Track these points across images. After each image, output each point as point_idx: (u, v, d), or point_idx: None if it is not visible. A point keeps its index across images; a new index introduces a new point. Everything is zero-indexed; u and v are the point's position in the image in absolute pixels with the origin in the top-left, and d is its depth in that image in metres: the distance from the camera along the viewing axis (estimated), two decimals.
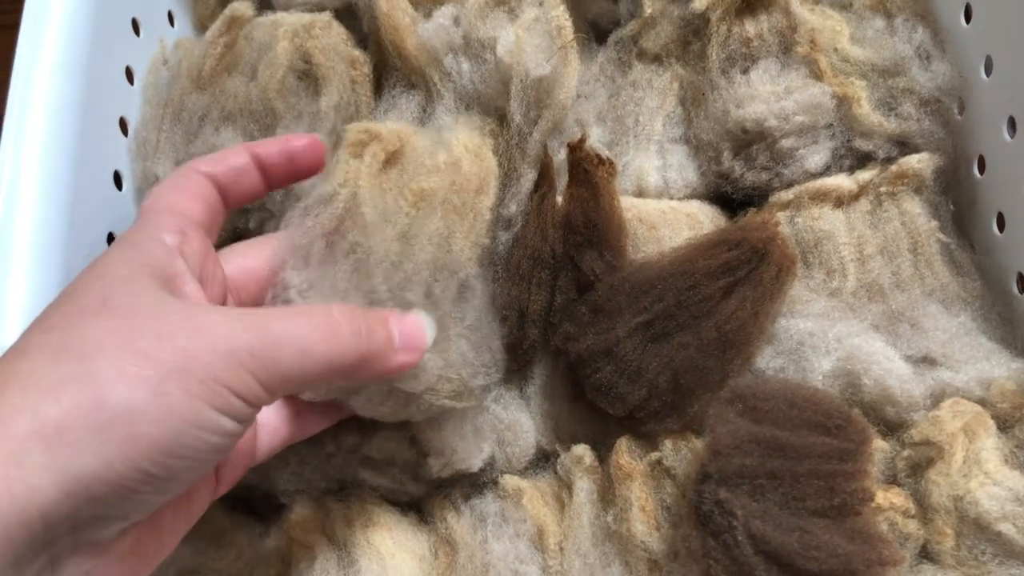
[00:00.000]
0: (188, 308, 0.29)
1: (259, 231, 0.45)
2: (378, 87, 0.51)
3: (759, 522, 0.33)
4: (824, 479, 0.34)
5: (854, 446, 0.35)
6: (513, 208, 0.44)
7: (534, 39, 0.46)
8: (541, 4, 0.48)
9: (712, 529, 0.34)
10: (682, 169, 0.49)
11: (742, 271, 0.40)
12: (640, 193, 0.49)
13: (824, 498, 0.34)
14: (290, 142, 0.38)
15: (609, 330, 0.40)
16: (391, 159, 0.40)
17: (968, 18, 0.46)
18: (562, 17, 0.46)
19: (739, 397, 0.36)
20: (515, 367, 0.44)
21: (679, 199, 0.48)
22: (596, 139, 0.50)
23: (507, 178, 0.44)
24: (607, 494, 0.40)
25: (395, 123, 0.42)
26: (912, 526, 0.37)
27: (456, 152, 0.41)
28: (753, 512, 0.33)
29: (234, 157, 0.37)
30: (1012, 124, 0.43)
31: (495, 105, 0.48)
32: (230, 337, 0.28)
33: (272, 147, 0.38)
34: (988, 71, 0.44)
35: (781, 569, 0.33)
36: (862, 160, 0.46)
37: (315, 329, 0.31)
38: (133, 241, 0.32)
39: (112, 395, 0.25)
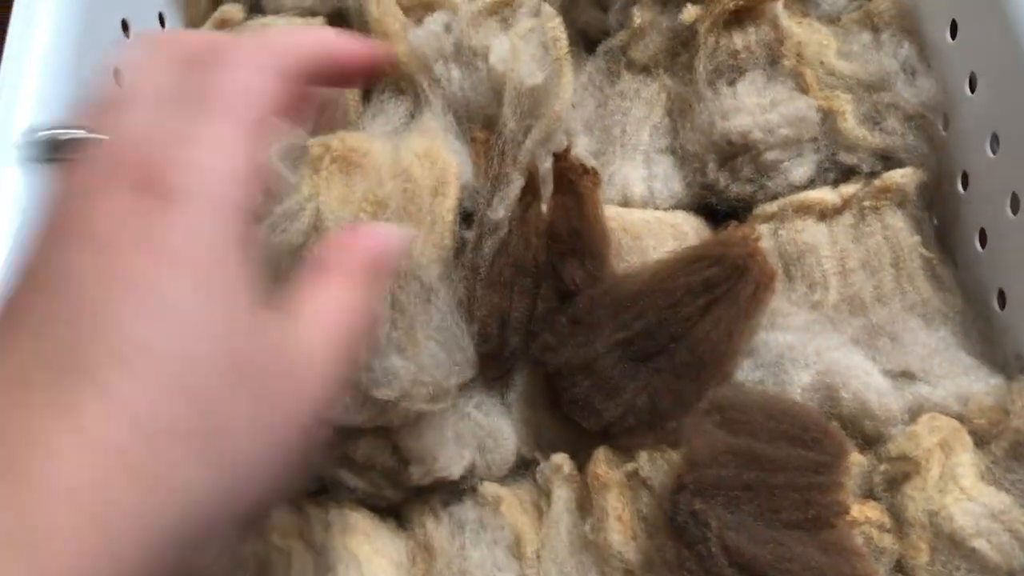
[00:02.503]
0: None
1: None
2: (367, 92, 0.51)
3: (734, 533, 0.33)
4: (799, 491, 0.34)
5: (830, 459, 0.35)
6: (501, 212, 0.44)
7: (529, 48, 0.46)
8: (536, 15, 0.48)
9: (687, 540, 0.34)
10: (667, 179, 0.49)
11: (721, 289, 0.40)
12: (625, 203, 0.49)
13: (799, 511, 0.34)
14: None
15: (588, 344, 0.40)
16: (351, 170, 0.41)
17: (953, 34, 0.46)
18: (558, 29, 0.47)
19: (717, 408, 0.36)
20: (496, 374, 0.44)
21: (664, 209, 0.48)
22: (583, 148, 0.51)
23: (496, 182, 0.45)
24: (585, 503, 0.40)
25: (352, 133, 0.43)
26: (887, 540, 0.37)
27: (405, 160, 0.41)
28: (728, 523, 0.33)
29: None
30: (995, 140, 0.43)
31: (484, 113, 0.48)
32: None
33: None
34: (972, 87, 0.45)
35: None
36: (846, 174, 0.47)
37: None
38: (220, 206, 0.23)
39: None
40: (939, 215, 0.48)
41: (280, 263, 0.39)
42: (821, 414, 0.38)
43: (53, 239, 0.23)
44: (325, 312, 0.26)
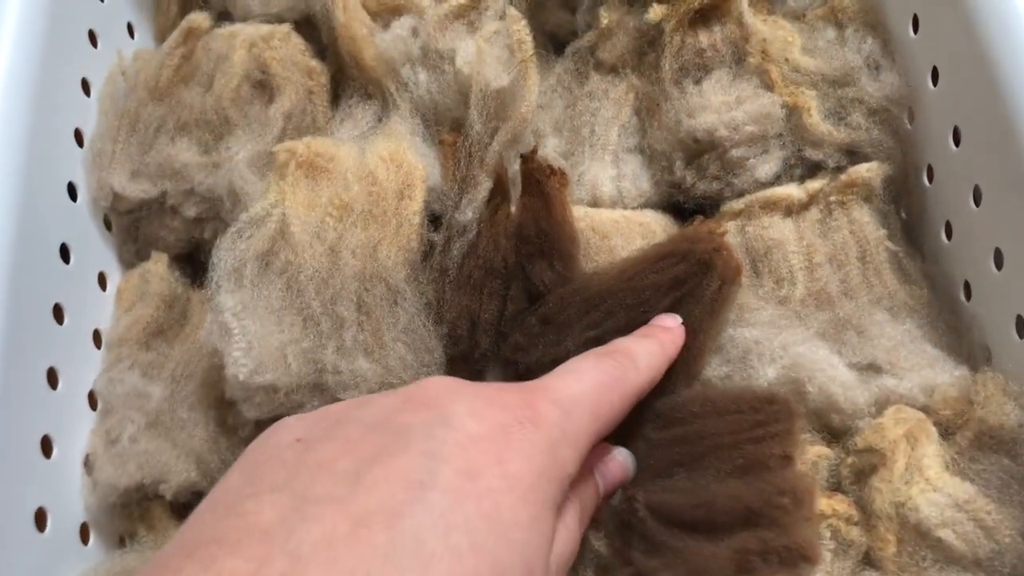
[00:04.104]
0: None
1: (214, 241, 0.45)
2: (336, 97, 0.52)
3: (660, 495, 0.34)
4: (728, 448, 0.35)
5: (763, 416, 0.36)
6: (469, 215, 0.44)
7: (494, 51, 0.46)
8: (502, 17, 0.49)
9: (624, 520, 0.35)
10: (636, 179, 0.49)
11: (688, 286, 0.40)
12: (595, 202, 0.49)
13: (727, 463, 0.35)
14: None
15: (559, 343, 0.40)
16: (317, 174, 0.41)
17: (916, 29, 0.46)
18: (523, 31, 0.47)
19: (658, 415, 0.37)
20: (467, 376, 0.44)
21: (633, 208, 0.49)
22: (552, 149, 0.51)
23: (464, 184, 0.45)
24: None
25: (318, 138, 0.43)
26: (855, 533, 0.38)
27: (370, 163, 0.41)
28: (654, 490, 0.34)
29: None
30: (957, 133, 0.43)
31: (452, 116, 0.48)
32: None
33: None
34: (935, 81, 0.45)
35: (685, 530, 0.33)
36: (812, 169, 0.47)
37: None
38: (549, 467, 0.27)
39: None
40: (906, 208, 0.48)
41: (246, 268, 0.39)
42: (768, 390, 0.39)
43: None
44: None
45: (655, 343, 0.36)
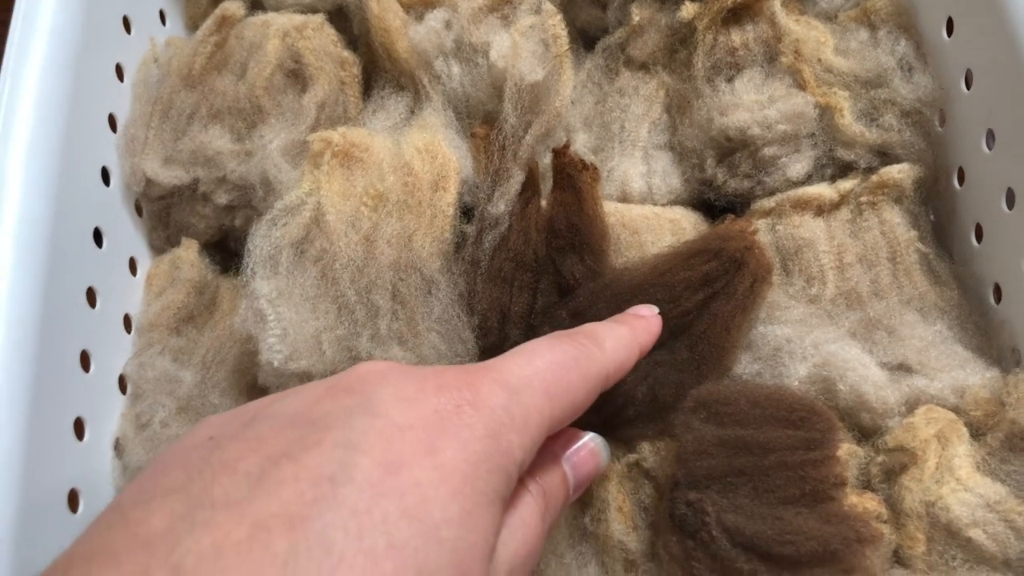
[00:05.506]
0: None
1: (245, 228, 0.45)
2: (368, 88, 0.52)
3: (732, 516, 0.34)
4: (793, 469, 0.35)
5: (819, 435, 0.36)
6: (501, 207, 0.44)
7: (530, 45, 0.47)
8: (537, 12, 0.49)
9: (688, 531, 0.34)
10: (666, 175, 0.49)
11: (720, 283, 0.40)
12: (624, 198, 0.49)
13: (795, 487, 0.35)
14: None
15: None
16: (352, 164, 0.41)
17: (950, 31, 0.46)
18: (559, 26, 0.47)
19: (702, 404, 0.37)
20: None
21: (663, 205, 0.49)
22: (582, 144, 0.51)
23: (496, 177, 0.45)
24: (584, 495, 0.40)
25: (353, 128, 0.43)
26: (884, 531, 0.38)
27: (406, 154, 0.42)
28: (725, 507, 0.34)
29: None
30: (991, 137, 0.43)
31: (484, 109, 0.49)
32: None
33: None
34: (968, 84, 0.45)
35: (760, 558, 0.33)
36: (843, 169, 0.47)
37: None
38: (490, 455, 0.25)
39: None
40: (935, 210, 0.49)
41: (281, 256, 0.40)
42: (806, 394, 0.39)
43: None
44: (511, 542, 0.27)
45: (624, 328, 0.34)
